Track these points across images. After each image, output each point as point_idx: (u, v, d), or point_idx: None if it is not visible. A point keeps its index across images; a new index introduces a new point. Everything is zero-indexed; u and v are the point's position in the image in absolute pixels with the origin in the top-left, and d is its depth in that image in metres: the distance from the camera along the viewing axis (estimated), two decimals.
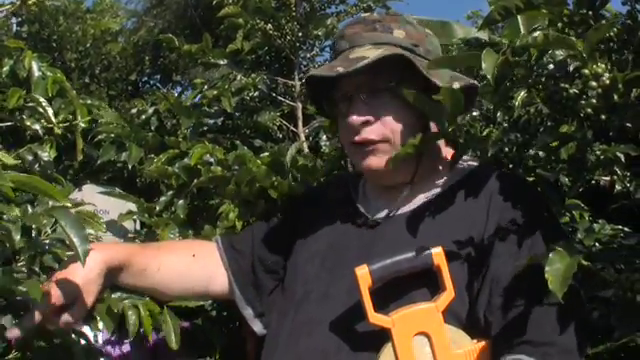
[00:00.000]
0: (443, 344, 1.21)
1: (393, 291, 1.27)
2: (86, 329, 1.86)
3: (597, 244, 1.55)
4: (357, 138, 1.38)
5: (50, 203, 1.07)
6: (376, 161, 1.38)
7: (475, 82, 1.42)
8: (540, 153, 1.42)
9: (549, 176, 1.36)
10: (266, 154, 1.92)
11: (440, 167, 1.43)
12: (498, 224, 1.28)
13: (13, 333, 1.26)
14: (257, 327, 1.54)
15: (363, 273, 1.23)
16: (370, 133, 1.37)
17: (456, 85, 1.32)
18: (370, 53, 1.35)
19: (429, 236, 1.31)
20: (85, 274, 1.33)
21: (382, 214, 1.42)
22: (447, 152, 1.43)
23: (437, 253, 1.24)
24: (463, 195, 1.36)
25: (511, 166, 1.51)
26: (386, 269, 1.24)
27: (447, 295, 1.22)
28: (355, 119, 1.37)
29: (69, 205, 1.05)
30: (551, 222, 1.32)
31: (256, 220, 1.76)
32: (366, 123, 1.37)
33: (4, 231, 0.96)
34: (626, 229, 1.56)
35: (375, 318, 1.22)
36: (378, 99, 1.37)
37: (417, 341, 1.21)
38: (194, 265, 1.55)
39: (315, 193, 1.70)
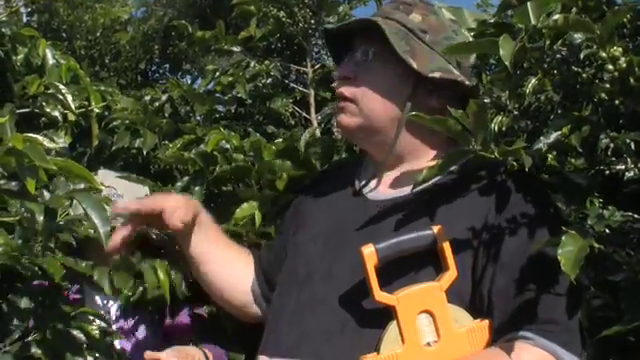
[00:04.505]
0: (446, 322, 1.22)
1: (397, 270, 1.28)
2: (97, 298, 1.89)
3: (607, 230, 1.55)
4: (336, 90, 1.46)
5: (71, 186, 1.09)
6: (344, 119, 1.43)
7: (462, 78, 1.40)
8: (550, 139, 1.41)
9: (573, 176, 1.35)
10: (280, 140, 1.93)
11: (438, 151, 1.42)
12: (502, 209, 1.29)
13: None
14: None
15: (369, 252, 1.24)
16: (344, 89, 1.42)
17: (436, 75, 1.35)
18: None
19: (433, 217, 1.32)
20: (184, 199, 1.51)
21: (385, 196, 1.43)
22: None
23: (441, 234, 1.25)
24: (467, 179, 1.36)
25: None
26: (391, 248, 1.26)
27: (450, 274, 1.24)
28: (336, 73, 1.50)
29: (99, 188, 1.07)
30: (554, 212, 1.33)
31: (278, 211, 1.81)
32: (345, 79, 1.43)
33: (28, 213, 0.98)
34: (636, 215, 1.56)
35: (381, 296, 1.23)
36: (367, 62, 1.41)
37: (421, 319, 1.23)
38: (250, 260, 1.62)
39: (318, 176, 1.73)
